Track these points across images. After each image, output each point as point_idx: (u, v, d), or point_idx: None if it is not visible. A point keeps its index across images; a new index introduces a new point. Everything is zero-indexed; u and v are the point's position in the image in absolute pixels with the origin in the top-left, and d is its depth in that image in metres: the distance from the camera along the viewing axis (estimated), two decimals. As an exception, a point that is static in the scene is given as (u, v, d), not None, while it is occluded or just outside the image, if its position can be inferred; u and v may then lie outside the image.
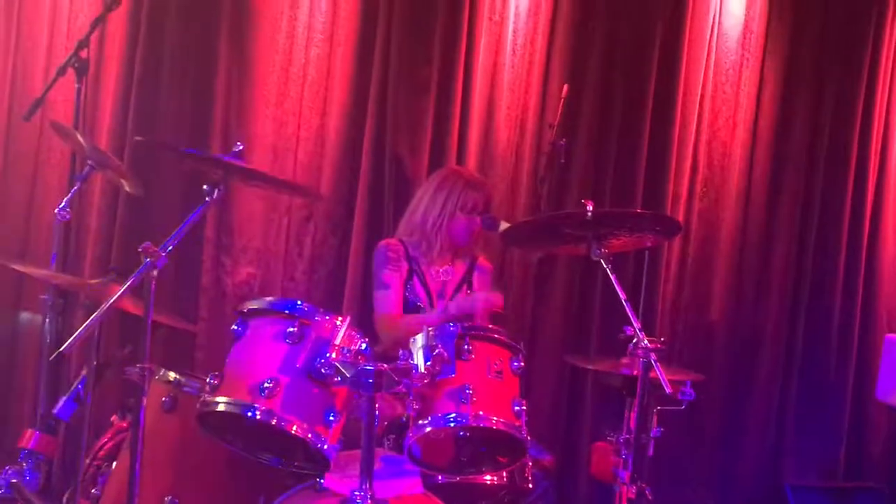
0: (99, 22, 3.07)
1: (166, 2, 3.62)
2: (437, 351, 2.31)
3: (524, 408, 2.36)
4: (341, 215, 3.79)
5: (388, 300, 3.14)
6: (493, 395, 2.33)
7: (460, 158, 3.81)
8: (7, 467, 2.66)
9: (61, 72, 2.94)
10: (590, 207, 2.50)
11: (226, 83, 3.66)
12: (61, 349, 2.05)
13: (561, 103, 3.56)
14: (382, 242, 3.25)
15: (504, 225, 3.06)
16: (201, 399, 2.30)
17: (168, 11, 3.63)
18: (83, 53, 2.96)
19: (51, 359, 2.13)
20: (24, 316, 3.53)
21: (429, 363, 2.29)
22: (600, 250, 2.55)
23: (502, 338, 2.41)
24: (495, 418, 2.29)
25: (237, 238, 3.71)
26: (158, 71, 3.62)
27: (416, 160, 3.80)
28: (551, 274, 3.90)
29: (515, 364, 2.41)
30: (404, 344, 2.42)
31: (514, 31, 3.91)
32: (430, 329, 2.37)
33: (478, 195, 3.17)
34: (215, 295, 3.69)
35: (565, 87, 3.61)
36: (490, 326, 2.49)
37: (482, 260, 3.35)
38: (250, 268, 3.74)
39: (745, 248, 4.18)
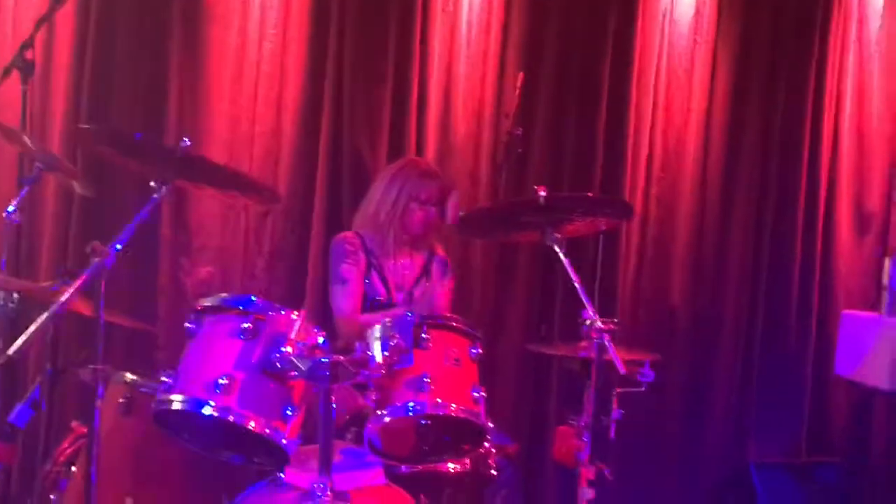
0: (43, 21, 3.01)
1: (115, 4, 3.58)
2: (394, 341, 2.31)
3: (483, 394, 2.37)
4: (300, 210, 3.77)
5: (346, 295, 3.13)
6: (451, 383, 2.33)
7: (419, 150, 3.81)
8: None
9: (6, 73, 2.89)
10: (542, 193, 2.52)
11: (178, 82, 3.62)
12: (8, 352, 2.02)
13: (517, 92, 3.57)
14: (339, 236, 3.25)
15: (461, 215, 3.07)
16: (157, 398, 2.28)
17: (118, 10, 3.59)
18: (28, 54, 2.91)
19: (0, 362, 2.09)
20: None
21: (386, 353, 2.29)
22: (554, 235, 2.56)
23: (460, 325, 2.42)
24: (454, 405, 2.30)
25: (194, 237, 3.68)
26: (109, 71, 3.58)
27: (374, 153, 3.79)
28: (513, 262, 3.91)
29: (474, 351, 2.42)
30: (363, 335, 2.42)
31: (469, 22, 3.92)
32: (387, 320, 2.37)
33: (432, 186, 3.17)
34: (174, 295, 3.66)
35: (520, 74, 3.62)
36: (448, 315, 2.50)
37: (440, 251, 3.35)
38: (209, 266, 3.72)
39: (703, 232, 4.22)
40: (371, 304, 3.17)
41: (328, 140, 3.75)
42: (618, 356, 2.32)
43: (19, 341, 2.01)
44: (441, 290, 3.25)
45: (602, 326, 2.37)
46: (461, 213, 3.14)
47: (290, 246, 3.78)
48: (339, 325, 3.12)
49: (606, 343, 2.34)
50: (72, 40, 3.55)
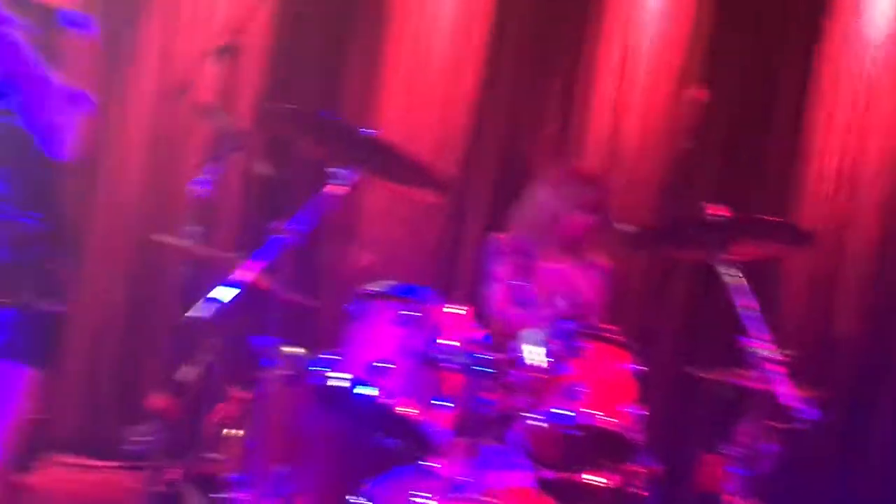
0: (254, 11, 3.19)
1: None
2: (550, 346, 2.31)
3: (638, 411, 2.33)
4: (461, 207, 3.83)
5: (498, 294, 3.15)
6: (606, 395, 2.31)
7: (584, 155, 3.78)
8: (136, 426, 2.83)
9: (211, 56, 3.08)
10: (712, 211, 2.43)
11: (358, 70, 3.78)
12: (190, 312, 2.16)
13: (695, 107, 3.48)
14: (495, 236, 3.26)
15: (628, 228, 3.01)
16: (319, 375, 2.38)
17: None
18: (233, 39, 3.09)
19: (181, 322, 2.24)
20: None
21: (542, 357, 2.29)
22: (722, 256, 2.47)
23: (619, 338, 2.39)
24: (609, 419, 2.27)
25: (360, 223, 3.82)
26: (298, 57, 3.78)
27: (538, 154, 3.80)
28: (670, 279, 3.81)
29: (631, 366, 2.38)
30: (515, 337, 2.43)
31: (652, 28, 3.85)
32: (544, 324, 2.38)
33: (592, 191, 3.11)
34: (336, 278, 3.80)
35: (703, 91, 3.51)
36: (607, 326, 2.47)
37: (600, 259, 3.30)
38: (370, 253, 3.83)
39: (885, 259, 3.93)
40: (521, 306, 3.16)
41: (493, 138, 3.79)
42: (790, 390, 2.21)
43: (200, 304, 2.16)
44: (597, 300, 3.20)
45: (772, 357, 2.26)
46: (624, 226, 3.08)
47: (448, 240, 3.85)
48: (489, 322, 3.14)
49: (777, 375, 2.24)
50: (266, 28, 3.75)
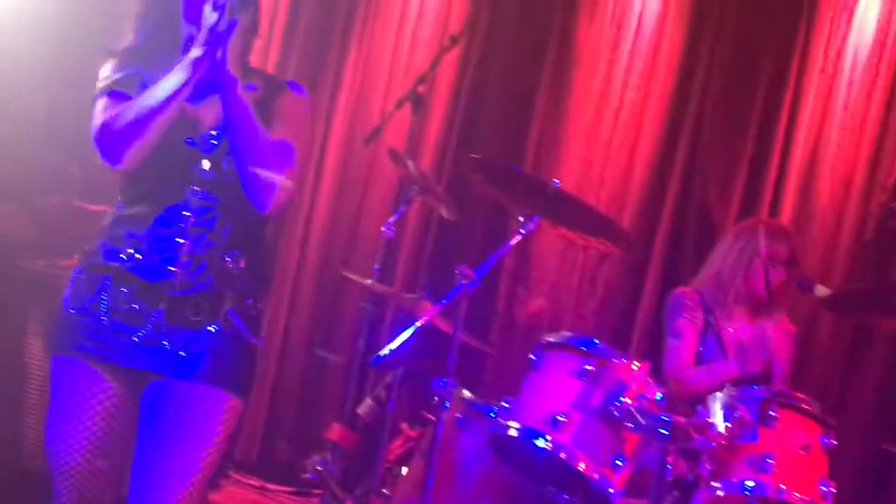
0: (438, 61, 3.32)
1: (495, 43, 3.86)
2: (738, 413, 2.20)
3: (832, 490, 2.17)
4: (638, 258, 3.75)
5: (679, 351, 3.04)
6: (797, 470, 2.17)
7: (773, 211, 3.62)
8: (315, 455, 2.95)
9: (400, 104, 3.22)
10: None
11: (540, 120, 3.82)
12: (381, 353, 2.23)
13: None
14: (678, 290, 3.16)
15: (822, 290, 2.83)
16: (494, 421, 2.39)
17: (496, 51, 3.86)
18: (421, 89, 3.22)
19: (371, 362, 2.32)
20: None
21: (729, 424, 2.19)
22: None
23: (813, 409, 2.24)
24: (797, 494, 2.13)
25: (533, 270, 3.83)
26: (480, 106, 3.87)
27: (724, 209, 3.67)
28: (868, 346, 3.54)
29: (825, 440, 2.23)
30: (696, 398, 2.34)
31: (849, 84, 3.64)
32: (732, 389, 2.27)
33: (780, 245, 2.96)
34: (507, 322, 3.82)
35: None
36: (800, 395, 2.32)
37: (786, 322, 3.12)
38: (542, 300, 3.83)
39: None
40: (707, 367, 3.04)
41: (677, 191, 3.71)
42: None
43: (391, 345, 2.22)
44: (784, 365, 3.01)
45: None
46: (819, 287, 2.90)
47: (623, 292, 3.78)
48: (667, 380, 3.04)
49: None
50: (452, 77, 3.88)
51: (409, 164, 3.02)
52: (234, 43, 1.80)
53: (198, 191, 1.84)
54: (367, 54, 4.03)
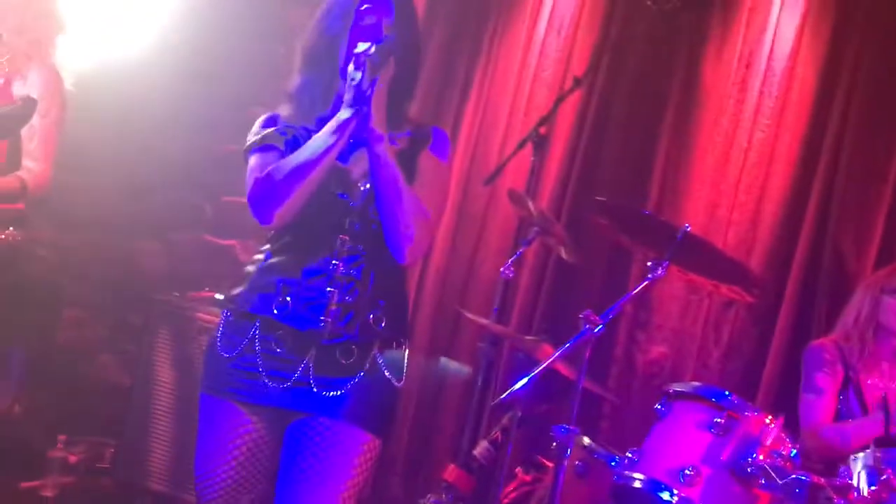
0: (560, 101, 3.32)
1: (617, 83, 3.82)
2: (885, 476, 2.05)
3: None
4: (767, 306, 3.57)
5: (818, 406, 2.87)
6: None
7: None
8: (429, 495, 2.93)
9: (522, 145, 3.22)
10: None
11: (664, 161, 3.73)
12: (501, 397, 2.22)
13: None
14: (816, 343, 3.01)
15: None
16: (618, 471, 2.31)
17: (618, 91, 3.82)
18: (542, 130, 3.22)
19: (493, 404, 2.31)
20: (453, 364, 3.89)
21: (874, 488, 2.04)
22: None
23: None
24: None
25: (654, 315, 3.71)
26: (601, 146, 3.82)
27: (860, 257, 3.46)
28: None
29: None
30: (834, 458, 2.19)
31: None
32: (877, 450, 2.12)
33: None
34: (625, 368, 3.72)
35: None
36: (957, 461, 2.15)
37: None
38: (663, 347, 3.71)
39: None
40: (846, 424, 2.86)
41: (809, 237, 3.52)
42: None
43: (512, 389, 2.20)
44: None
45: None
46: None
47: (749, 341, 3.60)
48: (803, 437, 2.87)
49: None
50: (572, 117, 3.86)
51: (530, 204, 3.00)
52: (378, 99, 1.81)
53: (346, 240, 1.88)
54: (487, 94, 4.07)
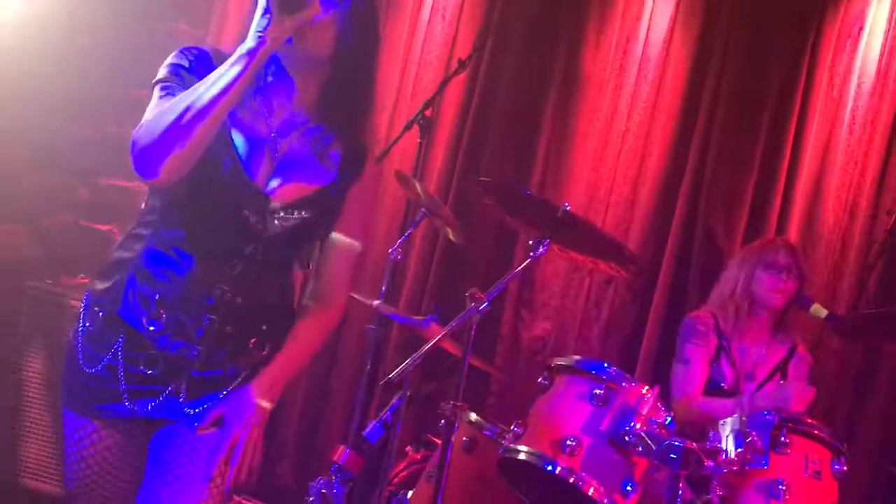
0: (446, 84, 3.35)
1: (501, 67, 3.88)
2: (749, 438, 2.19)
3: (841, 515, 2.16)
4: (643, 283, 3.75)
5: (687, 376, 3.03)
6: (808, 496, 2.17)
7: (778, 235, 3.62)
8: (319, 478, 2.92)
9: (408, 127, 3.23)
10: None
11: (546, 143, 3.83)
12: (390, 376, 2.23)
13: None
14: (692, 314, 3.16)
15: (820, 310, 2.85)
16: (504, 445, 2.37)
17: (502, 74, 3.88)
18: (428, 112, 3.23)
19: (382, 383, 2.31)
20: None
21: (740, 450, 2.17)
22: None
23: (824, 435, 2.24)
24: (808, 521, 2.12)
25: (538, 293, 3.82)
26: (486, 129, 3.88)
27: (729, 235, 3.67)
28: (874, 370, 3.53)
29: (837, 466, 2.22)
30: (703, 425, 2.33)
31: (853, 110, 3.66)
32: (743, 414, 2.26)
33: (780, 252, 3.01)
34: (511, 345, 3.81)
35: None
36: (811, 421, 2.32)
37: (802, 348, 3.11)
38: (547, 323, 3.82)
39: None
40: (714, 390, 3.03)
41: (682, 217, 3.71)
42: None
43: (400, 368, 2.22)
44: (798, 393, 2.99)
45: None
46: (819, 310, 2.92)
47: (628, 317, 3.77)
48: (674, 407, 3.03)
49: None
50: (458, 100, 3.90)
51: (417, 186, 3.02)
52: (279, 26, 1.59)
53: (241, 267, 1.73)
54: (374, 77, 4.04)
